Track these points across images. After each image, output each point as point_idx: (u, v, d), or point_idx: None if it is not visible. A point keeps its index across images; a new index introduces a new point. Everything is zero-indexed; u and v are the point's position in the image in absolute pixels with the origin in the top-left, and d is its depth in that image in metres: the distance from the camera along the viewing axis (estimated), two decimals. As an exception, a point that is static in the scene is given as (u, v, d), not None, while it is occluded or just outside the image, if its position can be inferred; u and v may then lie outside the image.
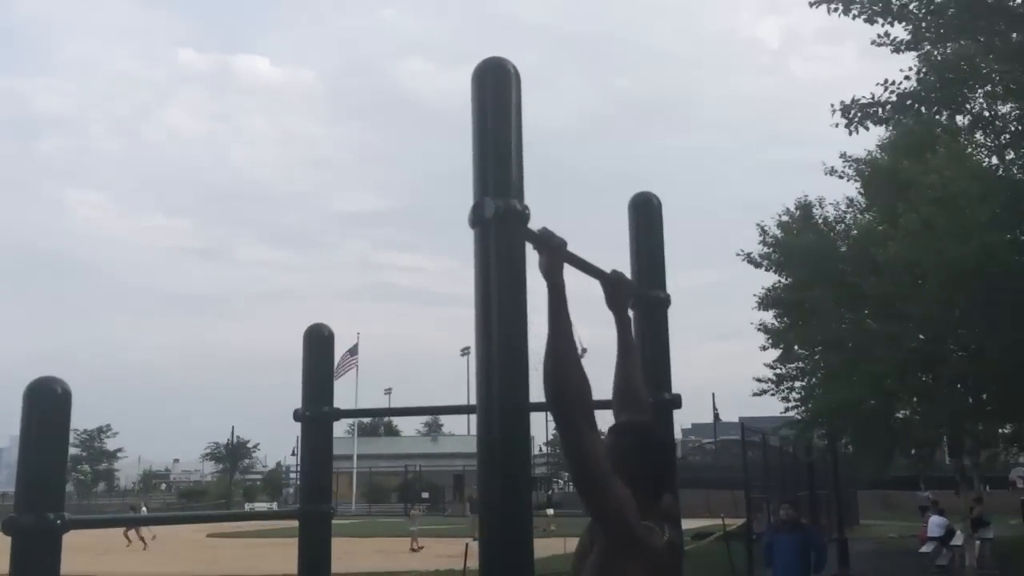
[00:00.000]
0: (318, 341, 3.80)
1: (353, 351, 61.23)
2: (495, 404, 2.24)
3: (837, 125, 10.00)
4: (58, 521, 2.69)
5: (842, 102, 9.84)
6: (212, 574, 21.07)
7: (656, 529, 2.35)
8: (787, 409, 18.78)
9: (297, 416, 3.72)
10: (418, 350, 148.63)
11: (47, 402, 2.76)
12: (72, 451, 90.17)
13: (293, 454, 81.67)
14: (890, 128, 13.19)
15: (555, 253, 2.47)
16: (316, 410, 3.70)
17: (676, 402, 3.33)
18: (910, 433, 17.08)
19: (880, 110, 9.66)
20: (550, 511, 38.46)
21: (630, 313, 3.06)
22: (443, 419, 74.68)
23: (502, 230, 2.32)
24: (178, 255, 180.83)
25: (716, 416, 61.12)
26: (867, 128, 9.87)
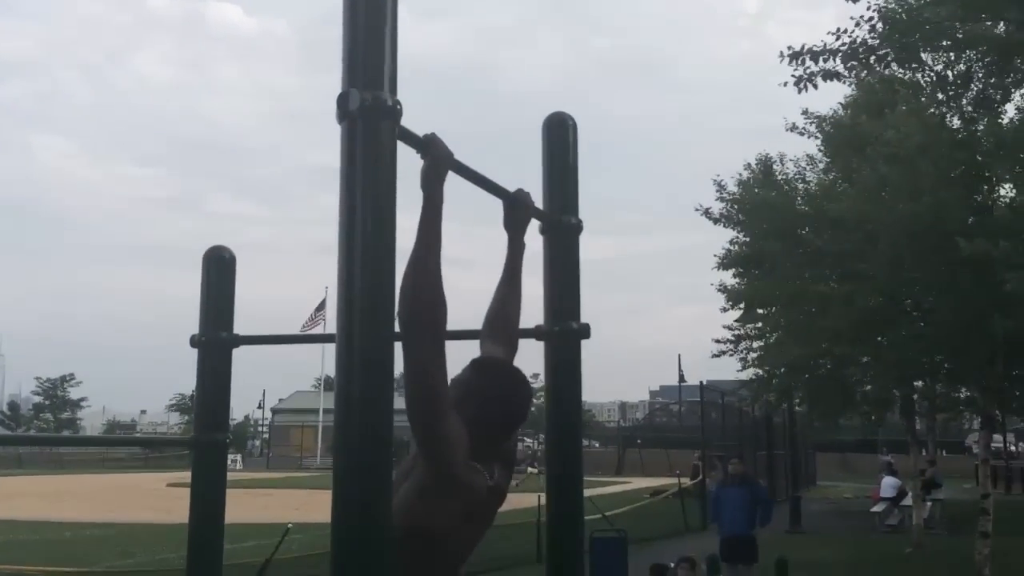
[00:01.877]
0: (218, 264, 3.61)
1: (321, 307, 60.35)
2: (355, 330, 1.96)
3: (786, 84, 9.77)
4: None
5: (789, 47, 9.58)
6: (170, 522, 20.95)
7: (481, 471, 2.23)
8: (744, 368, 18.83)
9: (193, 342, 3.55)
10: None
11: None
12: (34, 399, 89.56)
13: (259, 407, 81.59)
14: (851, 85, 13.01)
15: (436, 162, 2.28)
16: (214, 335, 3.53)
17: (584, 332, 3.17)
18: (863, 393, 17.18)
19: (831, 58, 9.42)
20: (531, 469, 35.37)
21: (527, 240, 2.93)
22: (411, 375, 74.21)
23: (369, 125, 2.09)
24: (147, 205, 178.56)
25: (681, 378, 61.63)
26: (815, 87, 9.63)
